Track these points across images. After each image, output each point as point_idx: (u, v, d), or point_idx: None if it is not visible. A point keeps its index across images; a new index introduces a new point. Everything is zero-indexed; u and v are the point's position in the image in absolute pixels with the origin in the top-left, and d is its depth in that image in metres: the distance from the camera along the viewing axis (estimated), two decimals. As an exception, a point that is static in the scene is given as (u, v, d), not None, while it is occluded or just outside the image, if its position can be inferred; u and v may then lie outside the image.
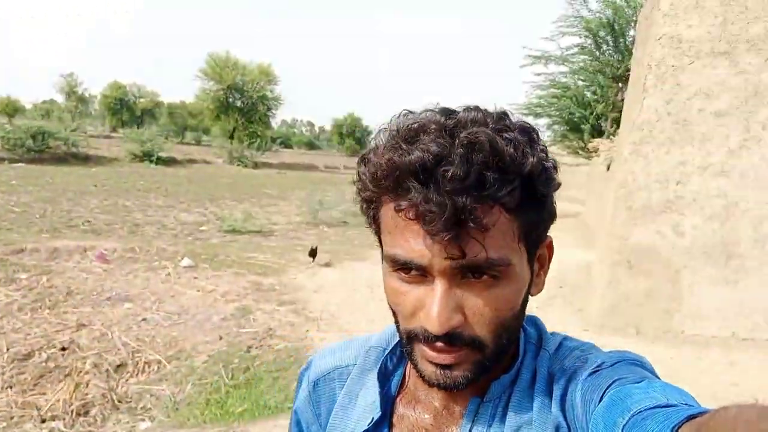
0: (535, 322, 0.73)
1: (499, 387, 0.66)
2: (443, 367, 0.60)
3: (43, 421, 3.80)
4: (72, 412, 3.90)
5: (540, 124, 19.95)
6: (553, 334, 0.73)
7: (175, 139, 41.38)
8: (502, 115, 0.60)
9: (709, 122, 5.22)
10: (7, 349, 4.70)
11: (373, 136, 0.63)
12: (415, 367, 0.63)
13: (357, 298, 6.16)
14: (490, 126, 0.57)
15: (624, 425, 0.48)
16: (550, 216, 0.64)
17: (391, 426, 0.72)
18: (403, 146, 0.56)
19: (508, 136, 0.57)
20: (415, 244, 0.57)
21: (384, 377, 0.74)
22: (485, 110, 0.60)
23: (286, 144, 67.43)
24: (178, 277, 6.68)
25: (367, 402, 0.72)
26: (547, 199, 0.62)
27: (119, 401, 4.13)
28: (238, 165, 29.13)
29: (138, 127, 52.01)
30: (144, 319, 5.33)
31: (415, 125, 0.58)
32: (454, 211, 0.53)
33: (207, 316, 5.42)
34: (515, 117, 0.63)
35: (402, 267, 0.59)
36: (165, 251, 7.77)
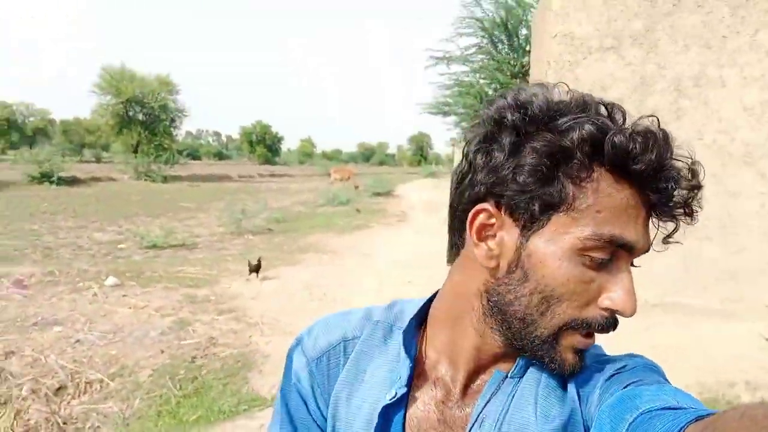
0: None
1: (525, 363, 0.67)
2: (581, 352, 0.63)
3: (-14, 452, 3.66)
4: (17, 439, 3.78)
5: (448, 122, 20.75)
6: None
7: (74, 158, 39.13)
8: None
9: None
10: (-69, 386, 4.44)
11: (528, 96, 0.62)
12: (551, 359, 0.62)
13: (296, 301, 6.28)
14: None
15: (631, 422, 0.49)
16: None
17: (408, 401, 0.71)
18: (646, 130, 0.58)
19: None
20: (634, 224, 0.58)
21: (408, 353, 0.72)
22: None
23: (194, 156, 65.42)
24: (105, 296, 6.49)
25: (381, 377, 0.71)
26: None
27: (65, 423, 4.03)
28: (146, 180, 28.05)
29: (31, 148, 48.72)
30: (78, 341, 5.17)
31: (614, 108, 0.62)
32: (680, 206, 0.59)
33: (144, 332, 5.34)
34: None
35: (604, 253, 0.58)
36: (87, 272, 7.49)
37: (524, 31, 18.12)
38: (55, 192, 21.12)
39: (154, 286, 6.95)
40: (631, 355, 0.66)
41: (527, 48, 18.02)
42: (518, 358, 0.66)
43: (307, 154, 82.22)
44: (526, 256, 0.60)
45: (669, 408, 0.48)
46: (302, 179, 40.57)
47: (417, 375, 0.71)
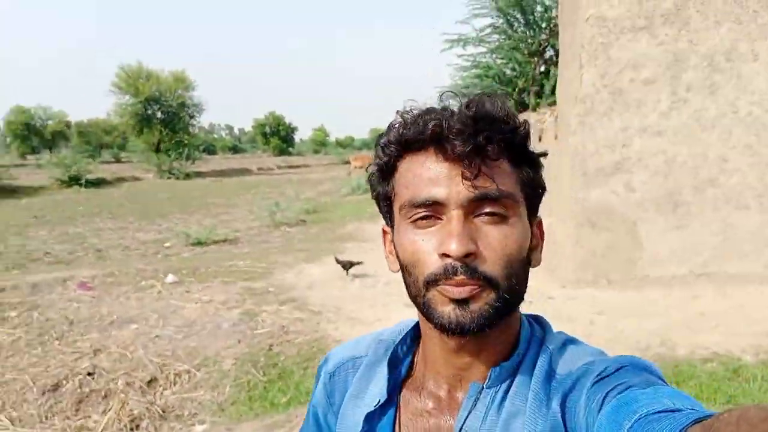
0: (539, 320, 0.77)
1: (501, 372, 0.69)
2: (461, 303, 0.64)
3: (102, 439, 4.03)
4: (126, 428, 4.15)
5: (467, 103, 20.82)
6: (557, 333, 0.76)
7: (95, 160, 39.87)
8: None
9: (641, 90, 5.98)
10: (33, 383, 4.83)
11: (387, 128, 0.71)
12: (432, 317, 0.66)
13: (352, 288, 6.60)
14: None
15: (630, 428, 0.49)
16: (542, 187, 0.72)
17: (397, 410, 0.76)
18: (424, 109, 0.67)
19: (514, 112, 0.67)
20: (434, 183, 0.64)
21: (393, 364, 0.78)
22: None
23: (210, 151, 65.88)
24: (169, 293, 6.87)
25: (377, 389, 0.77)
26: (538, 167, 0.71)
27: (164, 411, 4.40)
28: (169, 178, 28.54)
29: (51, 151, 49.47)
30: (157, 336, 5.55)
31: (427, 105, 0.68)
32: (470, 140, 0.62)
33: (216, 325, 5.69)
34: None
35: (420, 212, 0.66)
36: (145, 271, 7.87)
37: (539, 8, 18.09)
38: (85, 194, 21.65)
39: (212, 281, 7.31)
40: (618, 358, 0.65)
41: (543, 26, 18.03)
42: (490, 369, 0.70)
43: (320, 143, 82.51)
44: (396, 246, 0.71)
45: (666, 411, 0.49)
46: (320, 169, 40.88)
47: (408, 386, 0.77)
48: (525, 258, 0.68)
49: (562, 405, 0.65)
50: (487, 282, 0.63)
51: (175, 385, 4.76)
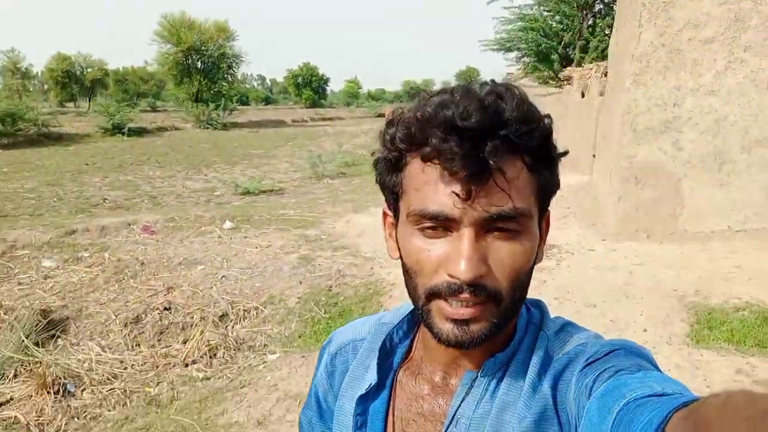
0: (539, 304, 0.76)
1: (495, 363, 0.69)
2: (462, 323, 0.62)
3: (186, 365, 4.49)
4: (206, 355, 4.60)
5: (510, 57, 20.60)
6: (556, 318, 0.75)
7: (133, 108, 40.56)
8: None
9: (699, 49, 6.00)
10: (116, 316, 5.33)
11: (393, 109, 0.67)
12: (431, 328, 0.65)
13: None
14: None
15: (618, 411, 0.49)
16: (558, 184, 0.68)
17: (392, 394, 0.76)
18: (433, 102, 0.61)
19: (532, 105, 0.62)
20: (446, 197, 0.59)
21: (388, 348, 0.79)
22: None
23: (243, 101, 66.22)
24: (229, 238, 7.30)
25: (372, 373, 0.77)
26: (556, 166, 0.66)
27: (237, 343, 4.84)
28: (207, 128, 29.02)
29: (89, 99, 50.42)
30: (223, 276, 5.99)
31: (440, 91, 0.63)
32: (480, 154, 0.57)
33: (277, 268, 6.10)
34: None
35: (429, 223, 0.62)
36: (203, 217, 8.32)
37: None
38: (129, 143, 22.27)
39: (267, 228, 7.72)
40: (611, 341, 0.65)
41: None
42: (485, 360, 0.69)
43: (352, 95, 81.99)
44: (398, 240, 0.68)
45: (654, 395, 0.49)
46: (353, 121, 40.93)
47: (405, 369, 0.77)
48: (532, 267, 0.66)
49: (553, 387, 0.65)
50: (492, 297, 0.62)
51: (244, 320, 5.20)
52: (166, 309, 5.38)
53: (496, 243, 0.61)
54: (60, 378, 4.15)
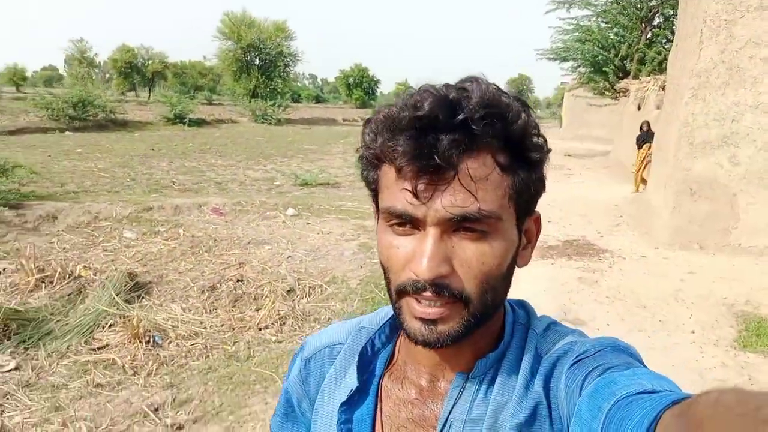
0: (524, 305, 0.75)
1: (485, 364, 0.68)
2: (429, 322, 0.61)
3: (259, 329, 4.94)
4: (276, 323, 5.04)
5: (565, 67, 20.67)
6: (542, 317, 0.74)
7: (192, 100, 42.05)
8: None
9: (759, 67, 6.14)
10: (194, 284, 5.83)
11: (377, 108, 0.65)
12: (402, 325, 0.64)
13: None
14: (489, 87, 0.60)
15: (608, 410, 0.49)
16: (541, 186, 0.65)
17: (378, 401, 0.74)
18: (400, 103, 0.60)
19: (503, 94, 0.61)
20: (409, 196, 0.58)
21: (369, 353, 0.76)
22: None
23: (295, 99, 67.47)
24: (293, 223, 7.77)
25: (352, 378, 0.74)
26: (538, 166, 0.64)
27: (303, 315, 5.27)
28: (263, 123, 29.95)
29: (149, 90, 52.38)
30: (289, 256, 6.45)
31: (414, 90, 0.61)
32: (435, 151, 0.56)
33: (339, 252, 6.52)
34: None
35: (396, 221, 0.61)
36: (266, 203, 8.84)
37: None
38: (189, 132, 23.25)
39: (326, 216, 8.17)
40: (598, 339, 0.64)
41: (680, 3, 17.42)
42: (477, 361, 0.68)
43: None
44: (377, 238, 0.66)
45: (645, 392, 0.48)
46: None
47: (390, 375, 0.75)
48: (505, 271, 0.64)
49: (545, 386, 0.64)
50: (459, 298, 0.61)
51: (310, 296, 5.63)
52: (239, 281, 5.86)
53: (463, 243, 0.60)
54: (149, 331, 4.65)
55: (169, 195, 9.63)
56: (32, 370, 4.13)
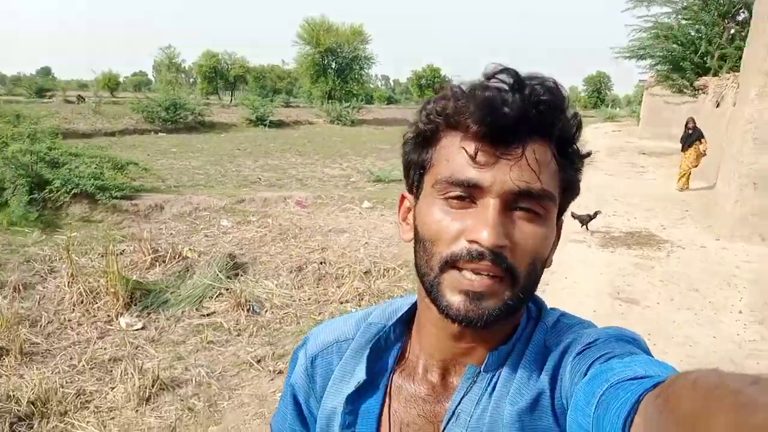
0: (535, 299, 0.74)
1: (497, 358, 0.68)
2: (475, 297, 0.61)
3: (341, 303, 5.62)
4: (356, 298, 5.71)
5: (642, 65, 20.32)
6: (552, 309, 0.74)
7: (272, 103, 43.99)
8: None
9: (826, 65, 6.22)
10: (282, 265, 6.62)
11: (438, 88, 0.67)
12: (439, 302, 0.63)
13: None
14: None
15: (601, 395, 0.50)
16: (578, 190, 0.68)
17: (387, 396, 0.74)
18: (474, 83, 0.62)
19: (565, 93, 0.63)
20: (479, 166, 0.60)
21: (379, 349, 0.76)
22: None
23: (368, 100, 68.65)
24: (368, 215, 8.46)
25: (361, 373, 0.75)
26: (580, 170, 0.67)
27: (378, 293, 5.91)
28: (338, 124, 31.08)
29: (231, 93, 55.00)
30: (366, 243, 7.12)
31: (485, 75, 0.63)
32: (513, 132, 0.59)
33: (411, 240, 7.13)
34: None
35: (456, 191, 0.62)
36: (344, 197, 9.59)
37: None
38: (270, 133, 24.60)
39: (399, 209, 8.79)
40: (605, 329, 0.65)
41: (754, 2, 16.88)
42: (488, 353, 0.68)
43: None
44: (416, 217, 0.68)
45: (636, 378, 0.49)
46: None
47: (401, 371, 0.75)
48: (545, 259, 0.66)
49: (552, 377, 0.65)
50: (510, 275, 0.61)
51: (384, 277, 6.26)
52: (322, 263, 6.59)
53: (519, 222, 0.62)
54: (249, 301, 5.44)
55: (258, 189, 10.57)
56: (155, 330, 5.00)
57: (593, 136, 24.04)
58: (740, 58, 15.38)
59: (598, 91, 65.61)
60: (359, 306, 5.60)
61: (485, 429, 0.66)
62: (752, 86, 6.61)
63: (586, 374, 0.57)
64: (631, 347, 0.60)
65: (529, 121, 0.59)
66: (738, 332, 4.27)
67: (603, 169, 13.77)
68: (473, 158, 0.60)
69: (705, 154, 10.65)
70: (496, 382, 0.68)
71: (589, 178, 12.51)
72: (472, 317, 0.61)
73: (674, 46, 17.73)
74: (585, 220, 7.16)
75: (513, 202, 0.61)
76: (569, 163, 0.65)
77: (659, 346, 4.01)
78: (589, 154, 0.68)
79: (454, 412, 0.68)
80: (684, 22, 18.45)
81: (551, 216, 0.64)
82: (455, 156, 0.62)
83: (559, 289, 5.29)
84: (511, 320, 0.68)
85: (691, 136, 11.04)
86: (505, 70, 0.61)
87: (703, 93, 16.17)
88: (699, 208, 8.22)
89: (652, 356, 0.59)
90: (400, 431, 0.72)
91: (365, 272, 6.33)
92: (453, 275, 0.62)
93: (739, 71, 12.96)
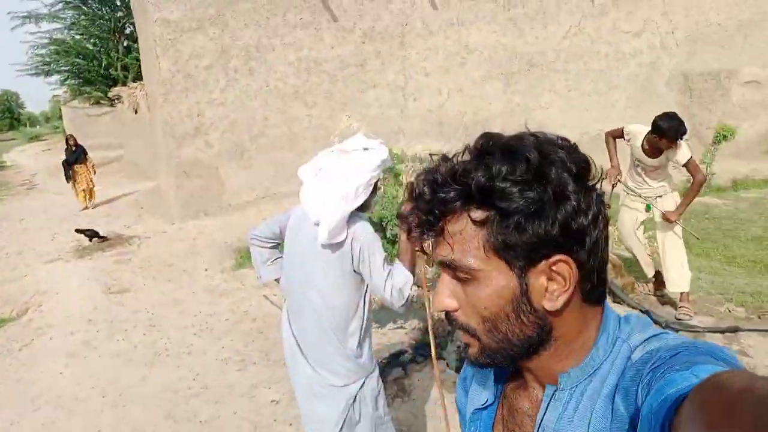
0: (629, 319, 0.76)
1: (570, 378, 0.73)
2: (464, 346, 0.74)
3: None
4: None
5: (52, 81, 20.13)
6: (645, 328, 0.73)
7: None
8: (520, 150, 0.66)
9: (203, 73, 8.27)
10: None
11: None
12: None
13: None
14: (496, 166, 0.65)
15: (656, 409, 0.53)
16: (547, 240, 0.65)
17: (501, 406, 0.84)
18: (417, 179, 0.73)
19: (494, 164, 0.65)
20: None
21: (500, 368, 0.83)
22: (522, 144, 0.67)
23: None
24: None
25: (489, 391, 0.86)
26: (529, 226, 0.65)
27: None
28: None
29: None
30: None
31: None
32: (421, 219, 0.70)
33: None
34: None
35: None
36: None
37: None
38: None
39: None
40: (677, 344, 0.64)
41: (118, 3, 18.72)
42: (559, 375, 0.74)
43: None
44: None
45: (684, 390, 0.51)
46: None
47: (512, 384, 0.83)
48: (512, 312, 0.68)
49: (625, 397, 0.65)
50: (467, 331, 0.71)
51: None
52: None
53: (461, 286, 0.70)
54: None
55: None
56: None
57: (27, 160, 22.62)
58: (140, 67, 17.43)
59: (10, 111, 59.82)
60: None
61: None
62: (158, 94, 8.14)
63: (649, 391, 0.58)
64: (699, 357, 0.58)
65: (437, 209, 0.68)
66: (209, 282, 5.73)
67: (52, 191, 13.52)
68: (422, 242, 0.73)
69: (95, 171, 10.91)
70: (578, 401, 0.71)
71: (48, 202, 11.98)
72: (471, 360, 0.74)
73: (78, 60, 18.42)
74: (91, 235, 7.64)
75: (450, 271, 0.71)
76: (503, 226, 0.65)
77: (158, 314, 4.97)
78: (518, 195, 0.65)
79: (540, 426, 0.74)
80: (78, 37, 19.28)
81: (483, 276, 0.68)
82: None
83: (52, 308, 5.53)
84: (552, 353, 0.73)
85: (76, 153, 10.96)
86: (424, 176, 0.71)
87: (120, 102, 17.62)
88: (150, 204, 9.54)
89: (727, 364, 0.57)
90: None
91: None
92: None
93: (142, 80, 14.85)
